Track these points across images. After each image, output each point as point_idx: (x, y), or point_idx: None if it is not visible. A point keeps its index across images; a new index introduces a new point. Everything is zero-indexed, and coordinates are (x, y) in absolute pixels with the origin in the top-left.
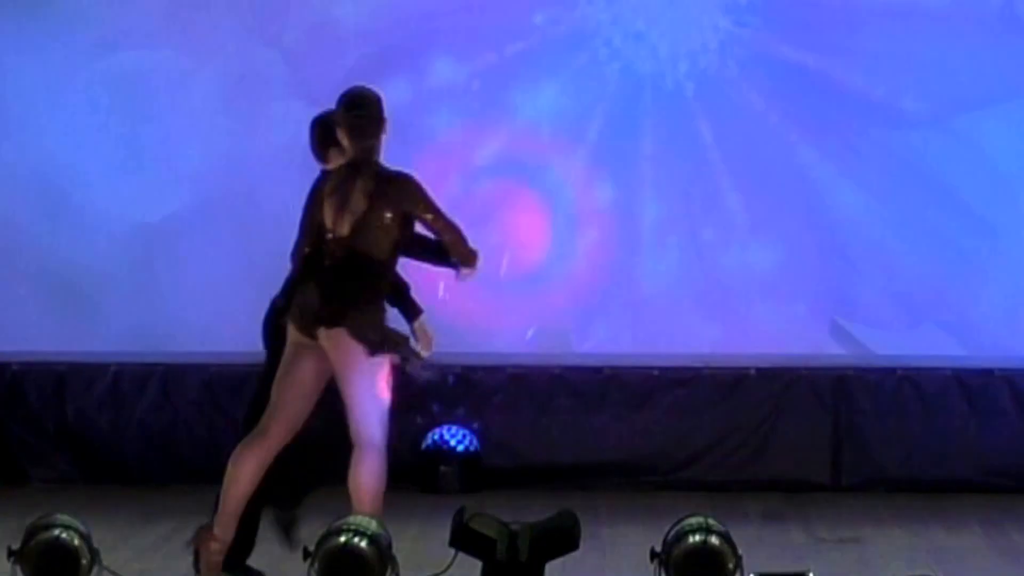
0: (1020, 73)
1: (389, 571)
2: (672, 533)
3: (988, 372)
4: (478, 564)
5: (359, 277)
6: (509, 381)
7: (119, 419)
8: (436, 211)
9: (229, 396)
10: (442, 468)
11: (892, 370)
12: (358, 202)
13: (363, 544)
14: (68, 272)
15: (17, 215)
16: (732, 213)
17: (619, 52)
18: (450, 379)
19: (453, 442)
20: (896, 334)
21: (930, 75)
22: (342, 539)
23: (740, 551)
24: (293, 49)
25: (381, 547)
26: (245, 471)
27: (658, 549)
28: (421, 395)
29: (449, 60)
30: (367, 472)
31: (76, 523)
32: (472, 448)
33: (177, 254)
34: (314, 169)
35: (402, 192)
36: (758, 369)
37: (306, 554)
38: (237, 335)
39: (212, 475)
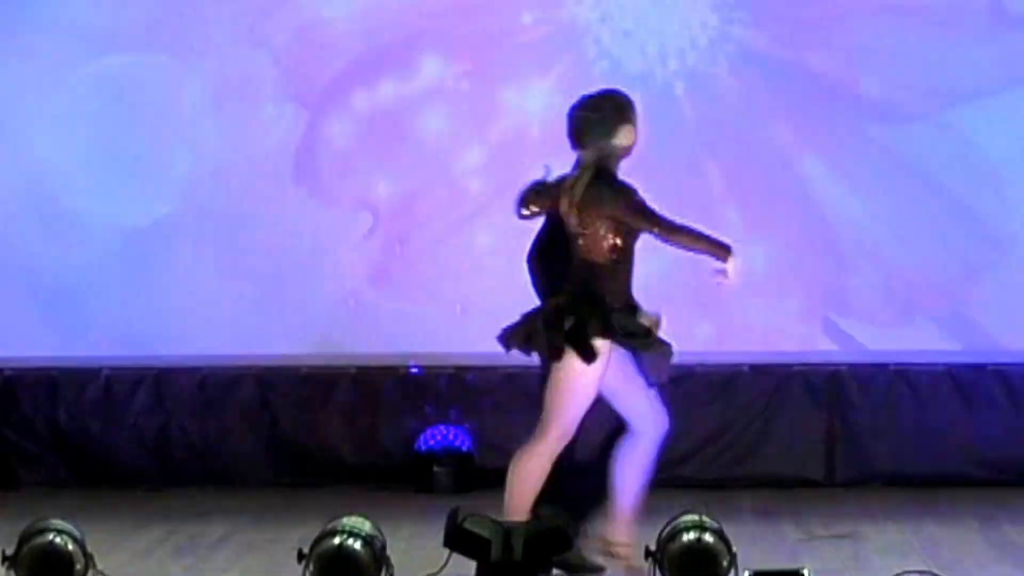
0: (1009, 67)
1: (383, 572)
2: (666, 531)
3: (980, 367)
4: (472, 564)
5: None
6: (503, 381)
7: (112, 423)
8: (656, 222)
9: (221, 399)
10: (436, 468)
11: (885, 366)
12: (570, 206)
13: (357, 545)
14: (59, 276)
15: (7, 220)
16: (723, 210)
17: (607, 50)
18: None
19: (447, 443)
20: (888, 330)
21: (920, 70)
22: (336, 541)
23: (734, 548)
24: (283, 51)
25: (375, 548)
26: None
27: (652, 547)
28: (415, 396)
29: (438, 60)
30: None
31: (70, 527)
32: (466, 448)
33: (168, 257)
34: (305, 169)
35: (604, 200)
36: (751, 366)
37: (300, 556)
38: (229, 338)
39: (205, 478)
